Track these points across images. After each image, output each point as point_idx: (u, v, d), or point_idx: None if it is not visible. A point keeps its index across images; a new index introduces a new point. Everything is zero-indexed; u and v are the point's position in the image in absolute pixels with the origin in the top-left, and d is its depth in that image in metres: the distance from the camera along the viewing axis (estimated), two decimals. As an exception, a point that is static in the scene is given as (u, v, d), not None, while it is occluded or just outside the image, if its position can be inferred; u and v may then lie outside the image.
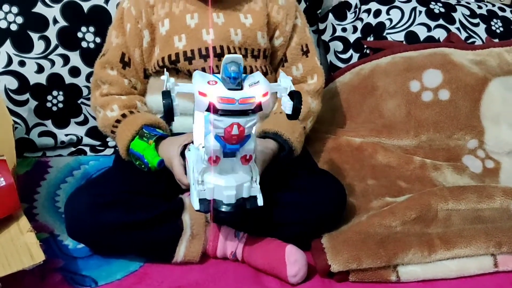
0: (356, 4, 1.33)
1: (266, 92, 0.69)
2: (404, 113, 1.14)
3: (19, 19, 1.06)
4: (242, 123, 0.69)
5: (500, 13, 1.35)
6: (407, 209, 0.91)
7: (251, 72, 0.93)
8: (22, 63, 1.06)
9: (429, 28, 1.27)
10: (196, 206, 0.76)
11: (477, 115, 1.13)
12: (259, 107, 0.69)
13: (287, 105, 0.73)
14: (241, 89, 0.68)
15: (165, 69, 0.78)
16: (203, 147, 0.74)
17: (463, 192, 0.95)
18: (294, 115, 0.73)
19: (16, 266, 0.72)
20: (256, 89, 0.69)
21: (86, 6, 1.09)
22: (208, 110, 0.68)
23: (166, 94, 0.68)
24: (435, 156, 1.10)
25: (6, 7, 1.05)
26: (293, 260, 0.82)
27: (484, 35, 1.29)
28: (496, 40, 1.28)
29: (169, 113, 0.68)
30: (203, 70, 0.90)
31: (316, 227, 0.87)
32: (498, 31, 1.31)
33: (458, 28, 1.29)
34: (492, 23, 1.32)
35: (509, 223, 0.90)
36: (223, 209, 0.75)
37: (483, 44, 1.26)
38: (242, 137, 0.71)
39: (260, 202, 0.77)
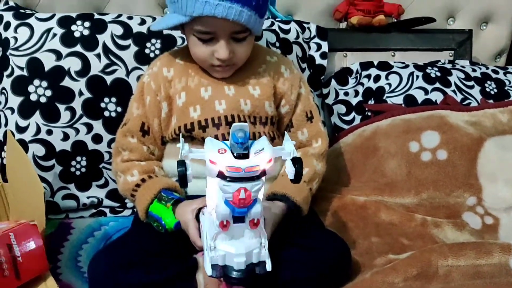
0: (357, 70, 1.41)
1: (270, 159, 0.76)
2: (405, 172, 1.19)
3: (48, 92, 1.15)
4: (248, 187, 0.76)
5: (494, 75, 1.42)
6: (408, 266, 0.95)
7: (260, 137, 1.01)
8: (49, 132, 1.15)
9: (426, 92, 1.35)
10: (209, 271, 0.81)
11: (474, 174, 1.19)
12: (263, 173, 0.77)
13: (290, 171, 0.79)
14: (248, 155, 0.76)
15: (181, 136, 0.86)
16: (215, 211, 0.81)
17: (461, 248, 0.99)
18: (296, 180, 0.79)
19: (44, 325, 0.78)
20: (260, 157, 0.76)
21: (109, 79, 1.18)
22: (218, 176, 0.75)
23: (180, 163, 0.76)
24: (435, 213, 1.14)
25: (36, 82, 1.15)
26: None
27: (479, 97, 1.36)
28: (491, 101, 1.35)
29: (182, 180, 0.76)
30: (216, 137, 0.98)
31: (323, 283, 0.92)
32: (492, 92, 1.38)
33: (454, 91, 1.36)
34: (486, 85, 1.40)
35: (506, 278, 0.93)
36: (233, 275, 0.81)
37: (478, 105, 1.33)
38: (249, 200, 0.77)
39: (268, 267, 0.82)
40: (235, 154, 0.75)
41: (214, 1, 0.88)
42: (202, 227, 0.87)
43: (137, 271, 0.87)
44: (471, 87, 1.38)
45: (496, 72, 1.44)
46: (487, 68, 1.46)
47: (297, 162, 0.79)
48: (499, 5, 1.57)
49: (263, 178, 0.78)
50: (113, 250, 0.93)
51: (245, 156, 0.75)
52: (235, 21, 0.90)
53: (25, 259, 0.84)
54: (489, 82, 1.40)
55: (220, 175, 0.75)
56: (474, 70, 1.43)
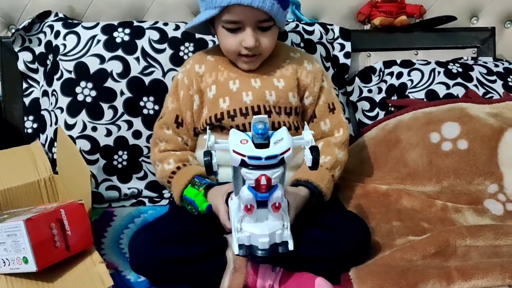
0: (380, 68, 1.46)
1: (289, 148, 0.83)
2: (426, 162, 1.23)
3: (93, 93, 1.25)
4: (269, 174, 0.83)
5: (517, 70, 1.45)
6: (427, 244, 0.99)
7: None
8: (94, 129, 1.25)
9: (448, 86, 1.38)
10: (236, 250, 0.89)
11: (495, 162, 1.22)
12: (282, 161, 0.83)
13: (308, 159, 0.86)
14: (268, 145, 0.83)
15: (208, 128, 0.93)
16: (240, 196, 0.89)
17: (480, 230, 1.03)
18: (314, 167, 0.86)
19: (90, 290, 0.87)
20: (279, 146, 0.83)
21: (147, 80, 1.27)
22: (241, 164, 0.83)
23: (207, 153, 0.84)
24: (456, 200, 1.17)
25: (83, 83, 1.25)
26: (322, 290, 0.92)
27: (501, 91, 1.38)
28: (514, 95, 1.37)
29: (208, 169, 0.84)
30: (243, 125, 1.06)
31: (343, 261, 0.98)
32: (515, 86, 1.40)
33: (475, 85, 1.39)
34: (509, 79, 1.42)
35: (524, 257, 0.96)
36: (258, 254, 0.88)
37: (500, 98, 1.35)
38: (270, 186, 0.84)
39: (291, 247, 0.89)
40: (256, 144, 0.83)
41: None
42: (230, 211, 0.95)
43: (173, 247, 0.95)
44: (493, 81, 1.41)
45: (520, 67, 1.46)
46: (510, 64, 1.48)
47: (313, 150, 0.85)
48: (522, 4, 1.59)
49: (283, 165, 0.84)
50: (152, 228, 1.01)
51: (265, 145, 0.83)
52: (259, 8, 0.99)
53: (73, 233, 0.93)
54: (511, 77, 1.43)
55: (243, 163, 0.82)
56: (496, 66, 1.46)
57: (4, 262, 0.91)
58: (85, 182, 0.98)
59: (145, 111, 1.27)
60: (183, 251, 0.95)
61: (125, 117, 1.26)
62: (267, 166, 0.82)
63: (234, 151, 0.83)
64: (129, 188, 1.29)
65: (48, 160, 1.18)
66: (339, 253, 0.97)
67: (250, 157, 0.81)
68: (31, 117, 1.34)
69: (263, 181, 0.83)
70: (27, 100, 1.34)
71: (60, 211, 0.92)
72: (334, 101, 1.15)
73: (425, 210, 1.15)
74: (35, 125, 1.33)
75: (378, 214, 1.14)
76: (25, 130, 1.33)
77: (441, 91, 1.38)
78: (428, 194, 1.19)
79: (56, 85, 1.27)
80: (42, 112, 1.33)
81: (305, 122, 0.99)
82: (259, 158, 0.81)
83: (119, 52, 1.28)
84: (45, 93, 1.31)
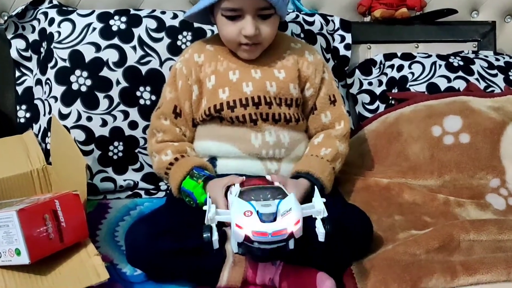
0: (381, 61, 1.45)
1: (298, 220, 0.77)
2: (428, 155, 1.22)
3: (88, 82, 1.22)
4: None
5: (518, 64, 1.44)
6: (430, 239, 0.98)
7: (285, 119, 1.06)
8: (89, 119, 1.22)
9: (449, 80, 1.37)
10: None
11: (497, 156, 1.20)
12: (291, 236, 0.77)
13: (320, 233, 0.79)
14: (275, 219, 0.76)
15: (207, 197, 0.87)
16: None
17: (483, 224, 1.01)
18: (326, 241, 0.80)
19: (85, 283, 0.84)
20: (288, 219, 0.76)
21: (144, 69, 1.24)
22: (245, 240, 0.77)
23: (207, 228, 0.78)
24: (459, 194, 1.16)
25: (78, 72, 1.22)
26: (323, 286, 0.90)
27: (502, 84, 1.38)
28: (515, 89, 1.36)
29: (208, 246, 0.78)
30: (243, 116, 1.04)
31: (345, 256, 0.95)
32: (516, 80, 1.39)
33: (477, 79, 1.38)
34: (510, 73, 1.41)
35: (529, 252, 0.95)
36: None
37: (501, 92, 1.35)
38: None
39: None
40: (261, 217, 0.76)
41: None
42: (230, 204, 0.92)
43: (171, 239, 0.93)
44: (495, 75, 1.40)
45: (521, 61, 1.45)
46: (511, 58, 1.47)
47: (326, 223, 0.78)
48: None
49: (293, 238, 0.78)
50: (149, 221, 0.99)
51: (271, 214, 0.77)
52: None
53: (68, 225, 0.90)
54: (513, 71, 1.42)
55: (247, 239, 0.77)
56: (497, 60, 1.45)
57: (-5, 254, 0.88)
58: (81, 172, 0.95)
59: (141, 101, 1.25)
60: (180, 244, 0.92)
61: (121, 107, 1.24)
62: (273, 242, 0.77)
63: (237, 225, 0.77)
64: (124, 180, 1.26)
65: (41, 151, 1.16)
66: (340, 245, 0.94)
67: (254, 233, 0.75)
68: (24, 107, 1.31)
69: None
70: (19, 89, 1.32)
71: (54, 202, 0.89)
72: (335, 93, 1.14)
73: (427, 204, 1.14)
74: (28, 115, 1.31)
75: (379, 208, 1.12)
76: (18, 120, 1.31)
77: (442, 84, 1.37)
78: (430, 188, 1.18)
79: (50, 73, 1.24)
80: (36, 101, 1.30)
81: (315, 187, 0.92)
82: (265, 234, 0.75)
83: (115, 41, 1.25)
84: (38, 82, 1.29)
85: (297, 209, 0.77)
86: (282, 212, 0.76)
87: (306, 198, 0.99)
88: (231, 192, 0.94)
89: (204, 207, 0.82)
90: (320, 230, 0.78)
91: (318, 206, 0.81)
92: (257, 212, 0.76)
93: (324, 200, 0.82)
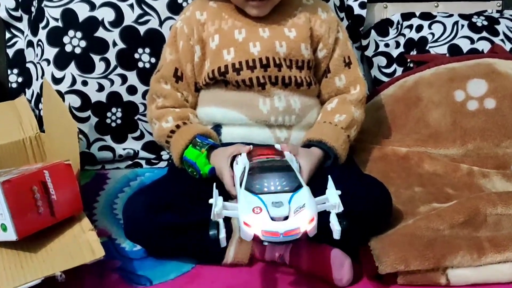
0: (398, 21, 1.38)
1: (312, 218, 0.68)
2: (450, 122, 1.16)
3: (83, 43, 1.16)
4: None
5: (546, 24, 1.35)
6: (454, 212, 0.91)
7: (296, 82, 0.99)
8: (84, 83, 1.16)
9: (472, 41, 1.30)
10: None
11: (526, 123, 1.14)
12: (305, 235, 0.68)
13: (335, 229, 0.70)
14: (287, 216, 0.67)
15: (214, 187, 0.78)
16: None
17: (512, 197, 0.95)
18: (340, 238, 0.71)
19: (79, 261, 0.78)
20: (301, 216, 0.67)
21: (142, 29, 1.18)
22: (253, 239, 0.69)
23: (213, 225, 0.69)
24: (483, 164, 1.10)
25: (71, 33, 1.16)
26: (339, 263, 0.84)
27: (530, 46, 1.30)
28: (543, 50, 1.29)
29: (215, 243, 0.70)
30: (250, 80, 0.97)
31: (361, 231, 0.88)
32: (544, 41, 1.31)
33: (502, 40, 1.31)
34: (538, 34, 1.33)
35: (561, 226, 0.88)
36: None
37: (529, 53, 1.27)
38: None
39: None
40: (271, 215, 0.68)
41: None
42: (235, 175, 0.86)
43: (172, 213, 0.87)
44: (522, 36, 1.32)
45: (549, 21, 1.36)
46: (539, 17, 1.38)
47: (342, 218, 0.69)
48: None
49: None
50: (149, 192, 0.93)
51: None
52: None
53: (59, 197, 0.84)
54: (541, 31, 1.33)
55: (256, 238, 0.68)
56: (524, 19, 1.36)
57: (-20, 229, 0.82)
58: (72, 140, 0.89)
59: (140, 64, 1.19)
60: (183, 218, 0.87)
61: (119, 70, 1.18)
62: (285, 242, 0.68)
63: (245, 223, 0.68)
64: (124, 149, 1.21)
65: (35, 117, 1.10)
66: (357, 220, 0.86)
67: (264, 233, 0.67)
68: (15, 70, 1.26)
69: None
70: (10, 52, 1.27)
71: (43, 173, 0.83)
72: (350, 55, 1.06)
73: (449, 174, 1.08)
74: (20, 79, 1.26)
75: (398, 179, 1.06)
76: (9, 85, 1.26)
77: (465, 45, 1.30)
78: (452, 157, 1.12)
79: (42, 34, 1.18)
80: (27, 65, 1.24)
81: (329, 177, 0.79)
82: (276, 234, 0.66)
83: (111, -2, 1.18)
84: (30, 44, 1.23)
85: (312, 205, 0.69)
86: (294, 209, 0.68)
87: (318, 169, 0.92)
88: (237, 162, 0.87)
89: (210, 200, 0.74)
90: (336, 227, 0.70)
91: (333, 200, 0.72)
92: (267, 208, 0.68)
93: (340, 192, 0.73)
